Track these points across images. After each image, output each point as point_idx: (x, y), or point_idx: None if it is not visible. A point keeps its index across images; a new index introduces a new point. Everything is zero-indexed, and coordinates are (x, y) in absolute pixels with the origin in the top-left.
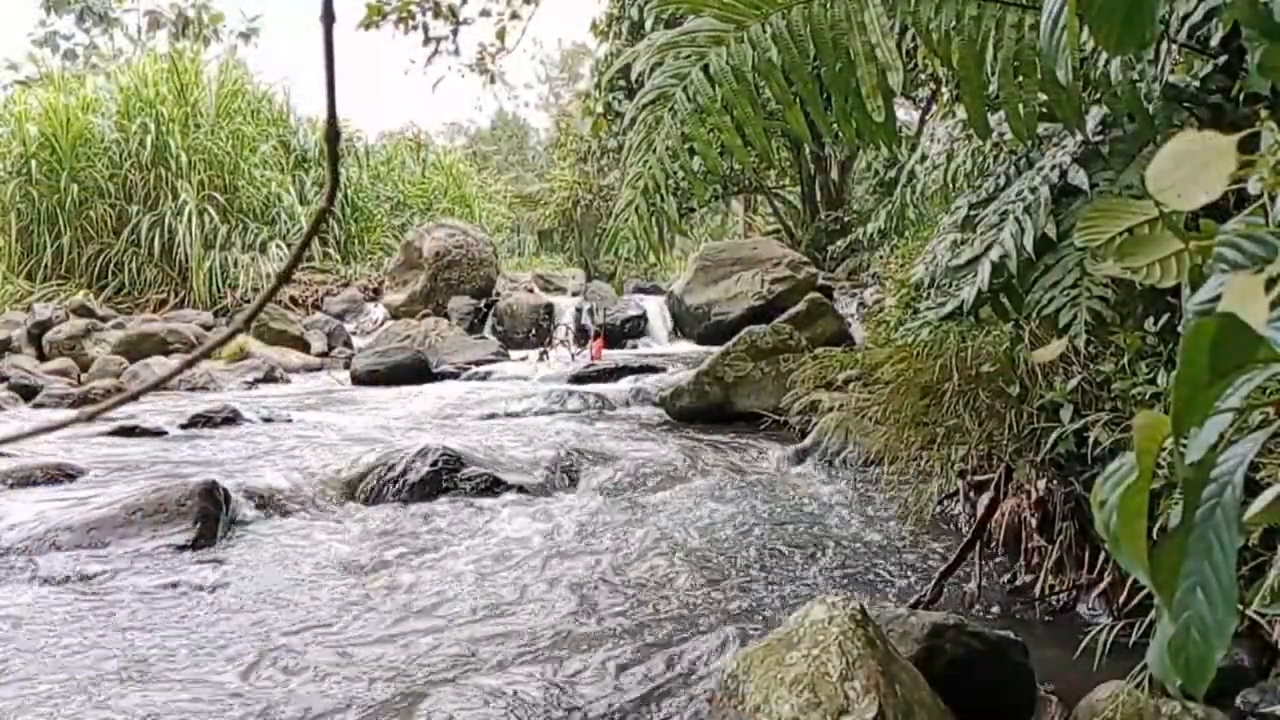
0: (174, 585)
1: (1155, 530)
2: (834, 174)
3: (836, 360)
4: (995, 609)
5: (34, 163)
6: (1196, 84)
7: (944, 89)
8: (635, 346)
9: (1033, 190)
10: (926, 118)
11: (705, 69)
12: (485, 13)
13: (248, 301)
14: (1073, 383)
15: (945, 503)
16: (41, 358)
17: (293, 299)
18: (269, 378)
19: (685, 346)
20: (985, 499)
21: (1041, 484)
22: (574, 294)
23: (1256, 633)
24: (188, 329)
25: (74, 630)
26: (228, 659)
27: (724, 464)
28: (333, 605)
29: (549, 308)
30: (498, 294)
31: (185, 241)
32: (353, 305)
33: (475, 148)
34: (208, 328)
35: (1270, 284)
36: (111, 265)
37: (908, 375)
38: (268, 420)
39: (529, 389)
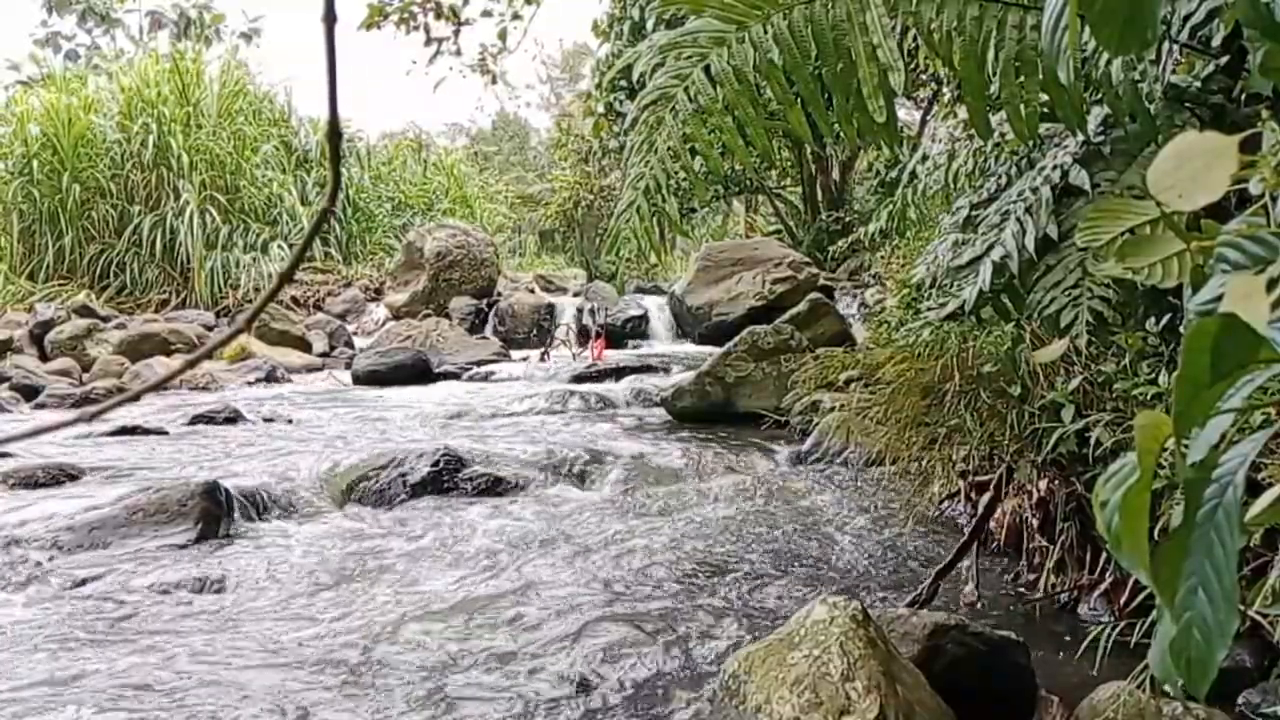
0: (175, 585)
1: (1157, 531)
2: (835, 174)
3: (838, 360)
4: (996, 609)
5: (36, 163)
6: (1198, 84)
7: (945, 89)
8: (636, 347)
9: (1034, 190)
10: (928, 118)
11: (707, 69)
12: (487, 13)
13: (249, 302)
14: (1074, 383)
15: (947, 503)
16: (43, 358)
17: (294, 299)
18: (270, 378)
19: (686, 347)
20: (986, 499)
21: (1043, 484)
22: (575, 294)
23: (1258, 633)
24: (189, 329)
25: (75, 630)
26: (228, 659)
27: (725, 464)
28: (333, 605)
29: (550, 308)
30: (499, 294)
31: (187, 242)
32: (354, 305)
33: (476, 148)
34: (209, 328)
35: (1271, 284)
36: (113, 265)
37: (909, 375)
38: (269, 420)
39: (530, 389)
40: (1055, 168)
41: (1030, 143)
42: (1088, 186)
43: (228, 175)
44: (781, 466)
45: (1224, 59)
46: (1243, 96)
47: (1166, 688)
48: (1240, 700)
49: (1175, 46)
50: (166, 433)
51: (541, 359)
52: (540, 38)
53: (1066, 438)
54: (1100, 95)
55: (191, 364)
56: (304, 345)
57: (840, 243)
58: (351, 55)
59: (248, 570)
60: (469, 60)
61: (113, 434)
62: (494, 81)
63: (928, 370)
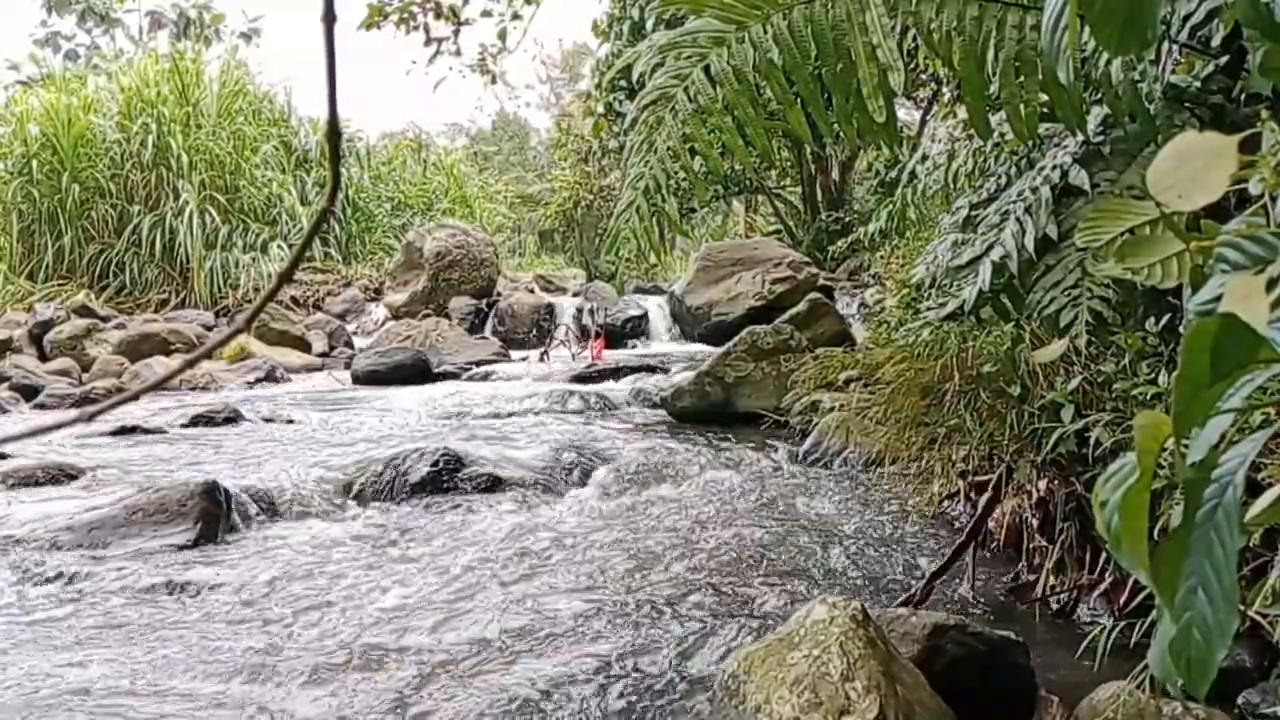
0: (175, 585)
1: (1156, 531)
2: (835, 174)
3: (837, 360)
4: (996, 609)
5: (35, 163)
6: (1198, 84)
7: (945, 89)
8: (636, 347)
9: (1034, 190)
10: (927, 118)
11: (706, 69)
12: (487, 13)
13: (249, 302)
14: (1074, 383)
15: (947, 503)
16: (43, 358)
17: (294, 299)
18: (270, 378)
19: (686, 347)
20: (984, 499)
21: (1042, 484)
22: (575, 294)
23: (1258, 633)
24: (189, 329)
25: (74, 630)
26: (228, 660)
27: (725, 464)
28: (333, 605)
29: (550, 308)
30: (499, 294)
31: (186, 242)
32: (354, 305)
33: (476, 148)
34: (209, 328)
35: (1271, 284)
36: (113, 265)
37: (908, 375)
38: (268, 420)
39: (530, 389)
40: (1055, 168)
41: (1030, 143)
42: (1087, 186)
43: (227, 175)
44: (781, 466)
45: (1224, 59)
46: (1243, 96)
47: (1166, 688)
48: (1240, 700)
49: (1175, 46)
50: (166, 432)
51: (541, 359)
52: (540, 38)
53: (1066, 438)
54: (1100, 95)
55: (191, 364)
56: (303, 345)
57: (840, 243)
58: (351, 55)
59: (247, 570)
60: (469, 60)
61: (112, 434)
62: (494, 81)
63: (927, 370)
